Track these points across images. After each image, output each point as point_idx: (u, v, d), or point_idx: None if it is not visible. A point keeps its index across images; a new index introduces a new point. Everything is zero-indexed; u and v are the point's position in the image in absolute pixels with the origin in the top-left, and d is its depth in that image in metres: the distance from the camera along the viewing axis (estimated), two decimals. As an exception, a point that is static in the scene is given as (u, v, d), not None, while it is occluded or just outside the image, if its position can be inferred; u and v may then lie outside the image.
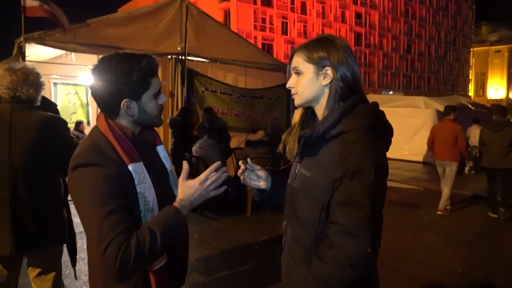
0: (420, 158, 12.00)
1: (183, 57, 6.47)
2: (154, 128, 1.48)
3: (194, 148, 6.07)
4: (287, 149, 1.35)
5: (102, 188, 1.19)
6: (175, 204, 1.28)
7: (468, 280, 3.88)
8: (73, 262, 2.58)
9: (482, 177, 9.30)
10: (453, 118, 6.22)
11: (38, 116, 2.10)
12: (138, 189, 1.26)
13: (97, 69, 1.29)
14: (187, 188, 1.29)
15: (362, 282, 1.17)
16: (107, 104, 1.31)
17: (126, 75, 1.26)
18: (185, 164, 1.33)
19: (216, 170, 1.31)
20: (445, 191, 6.23)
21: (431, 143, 6.40)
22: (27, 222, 2.02)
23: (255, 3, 39.13)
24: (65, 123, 2.27)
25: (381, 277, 1.33)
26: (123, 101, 1.28)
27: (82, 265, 3.84)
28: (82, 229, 1.27)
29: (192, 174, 1.27)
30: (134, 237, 1.17)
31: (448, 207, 6.35)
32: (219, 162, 1.34)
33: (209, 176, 1.30)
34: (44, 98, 3.28)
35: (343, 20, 46.03)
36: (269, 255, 4.32)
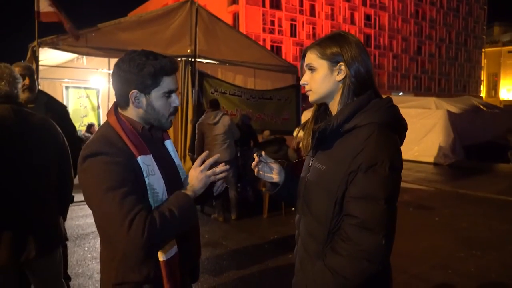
0: (431, 159, 11.88)
1: (193, 59, 6.53)
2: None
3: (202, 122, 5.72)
4: (301, 144, 1.36)
5: (115, 173, 1.23)
6: (182, 190, 1.36)
7: (481, 281, 3.84)
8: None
9: (497, 179, 9.26)
10: None
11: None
12: (147, 181, 1.29)
13: (119, 60, 1.38)
14: (189, 177, 1.40)
15: (378, 276, 1.17)
16: (119, 92, 1.38)
17: (138, 67, 1.32)
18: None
19: (204, 159, 1.41)
20: None
21: None
22: (29, 232, 1.98)
23: (263, 5, 39.21)
24: (54, 125, 2.20)
25: (393, 279, 1.33)
26: (132, 91, 1.34)
27: (95, 264, 3.89)
28: (94, 229, 1.29)
29: None
30: (156, 212, 1.23)
31: None
32: (206, 152, 1.46)
33: (200, 163, 1.40)
34: (53, 99, 3.27)
35: (352, 22, 45.85)
36: (279, 254, 4.32)
